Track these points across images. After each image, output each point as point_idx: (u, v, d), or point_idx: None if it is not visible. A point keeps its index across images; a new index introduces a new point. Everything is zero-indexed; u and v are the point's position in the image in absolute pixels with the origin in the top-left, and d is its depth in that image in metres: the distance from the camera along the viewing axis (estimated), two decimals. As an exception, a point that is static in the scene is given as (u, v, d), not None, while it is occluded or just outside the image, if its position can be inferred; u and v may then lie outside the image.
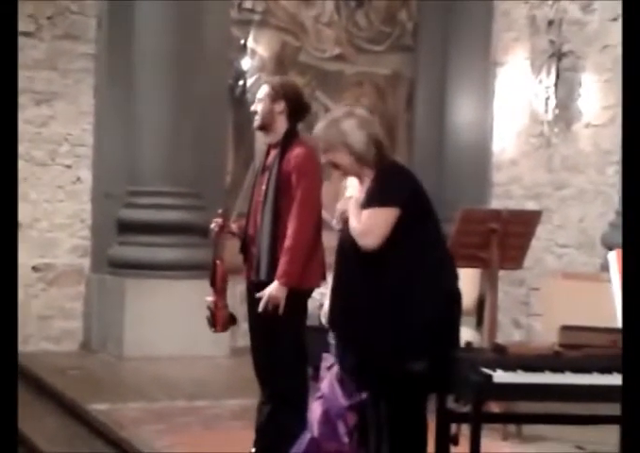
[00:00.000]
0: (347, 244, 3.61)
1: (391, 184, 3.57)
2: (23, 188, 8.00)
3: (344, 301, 3.62)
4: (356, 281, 3.56)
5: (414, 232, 3.53)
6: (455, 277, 3.63)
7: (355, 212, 3.58)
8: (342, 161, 3.67)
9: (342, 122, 3.64)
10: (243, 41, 8.49)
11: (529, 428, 5.15)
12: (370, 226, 3.51)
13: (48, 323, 8.06)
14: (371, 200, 3.54)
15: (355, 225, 3.56)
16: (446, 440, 3.63)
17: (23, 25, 8.02)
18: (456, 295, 3.60)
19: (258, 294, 4.31)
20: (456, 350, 3.52)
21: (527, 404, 4.18)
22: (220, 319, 4.62)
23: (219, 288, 4.61)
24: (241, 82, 8.47)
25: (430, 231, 3.59)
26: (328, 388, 3.98)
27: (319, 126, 3.71)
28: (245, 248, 4.56)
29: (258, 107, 4.52)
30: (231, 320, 4.66)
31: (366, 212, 3.53)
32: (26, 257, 7.99)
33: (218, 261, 4.62)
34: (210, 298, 4.62)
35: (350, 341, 3.61)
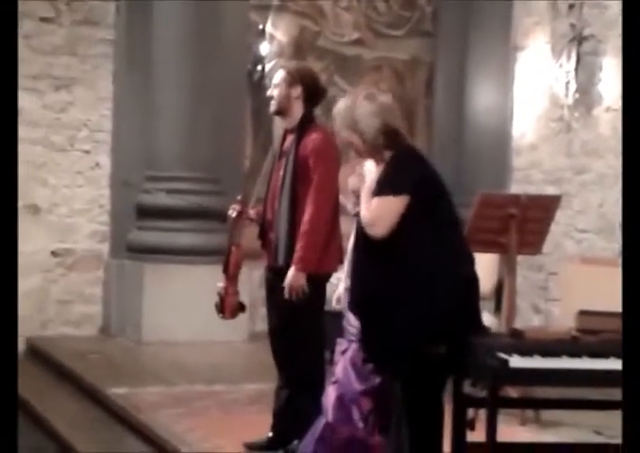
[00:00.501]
0: (362, 231, 3.61)
1: (401, 172, 3.55)
2: (42, 173, 8.04)
3: (360, 288, 3.63)
4: (370, 268, 3.56)
5: (426, 218, 3.52)
6: (471, 261, 3.62)
7: (366, 199, 3.57)
8: (354, 143, 3.67)
9: (358, 106, 3.63)
10: (261, 26, 8.47)
11: (547, 414, 5.14)
12: (378, 214, 3.50)
13: (68, 307, 8.10)
14: (381, 188, 3.53)
15: (364, 213, 3.55)
16: (462, 425, 3.63)
17: (42, 10, 8.05)
18: (472, 279, 3.59)
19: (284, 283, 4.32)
20: (479, 333, 3.51)
21: (545, 389, 4.17)
22: (229, 306, 4.62)
23: (231, 274, 4.62)
24: (259, 67, 8.46)
25: (444, 216, 3.57)
26: (342, 373, 3.98)
27: (339, 105, 3.71)
28: (264, 234, 4.57)
29: (274, 92, 4.52)
30: (240, 307, 4.66)
31: (376, 200, 3.52)
32: (46, 242, 8.04)
33: (233, 247, 4.62)
34: (222, 284, 4.62)
35: (369, 328, 3.61)
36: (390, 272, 3.50)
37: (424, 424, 3.54)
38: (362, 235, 3.59)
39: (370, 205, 3.54)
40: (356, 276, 3.67)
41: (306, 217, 4.32)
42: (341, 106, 3.69)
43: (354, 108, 3.63)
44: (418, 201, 3.51)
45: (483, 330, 3.59)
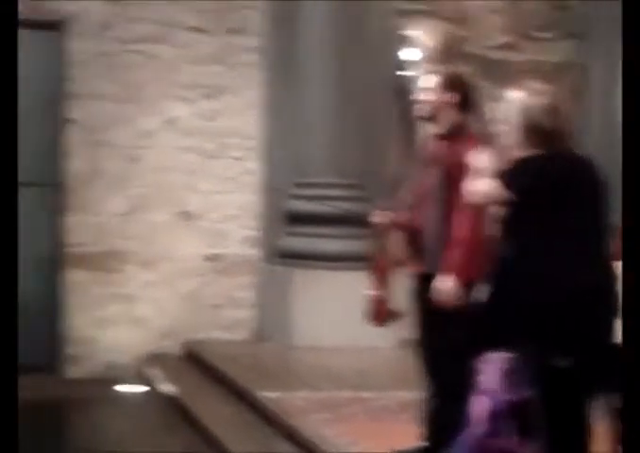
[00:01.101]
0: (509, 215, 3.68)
1: (518, 173, 3.59)
2: (194, 180, 8.25)
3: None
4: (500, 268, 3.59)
5: (544, 223, 3.52)
6: (604, 275, 3.52)
7: (476, 177, 3.74)
8: (501, 134, 3.75)
9: (516, 101, 3.65)
10: (406, 31, 8.45)
11: None
12: (482, 190, 3.66)
13: (220, 312, 8.26)
14: (500, 176, 3.63)
15: (470, 185, 3.73)
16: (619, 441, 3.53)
17: (192, 20, 8.27)
18: (598, 292, 3.49)
19: (432, 290, 4.31)
20: (610, 348, 3.42)
21: None
22: (379, 313, 4.62)
23: (380, 281, 4.62)
24: (405, 72, 8.44)
25: (565, 225, 3.51)
26: (491, 382, 3.92)
27: (510, 94, 3.73)
28: (412, 240, 4.56)
29: (426, 96, 4.49)
30: (392, 314, 4.65)
31: (490, 180, 3.62)
32: (198, 247, 8.24)
33: (381, 254, 4.62)
34: (371, 291, 4.63)
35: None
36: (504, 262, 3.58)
37: (564, 438, 3.46)
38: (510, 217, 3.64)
39: (475, 179, 3.72)
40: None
41: (460, 225, 4.28)
42: (509, 96, 3.71)
43: (513, 101, 3.63)
44: (524, 207, 3.51)
45: (613, 345, 3.48)
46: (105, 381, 7.50)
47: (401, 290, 4.75)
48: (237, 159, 8.35)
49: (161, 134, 8.19)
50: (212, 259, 8.29)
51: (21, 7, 7.93)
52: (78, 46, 7.99)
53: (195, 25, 8.28)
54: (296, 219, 7.83)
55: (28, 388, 7.21)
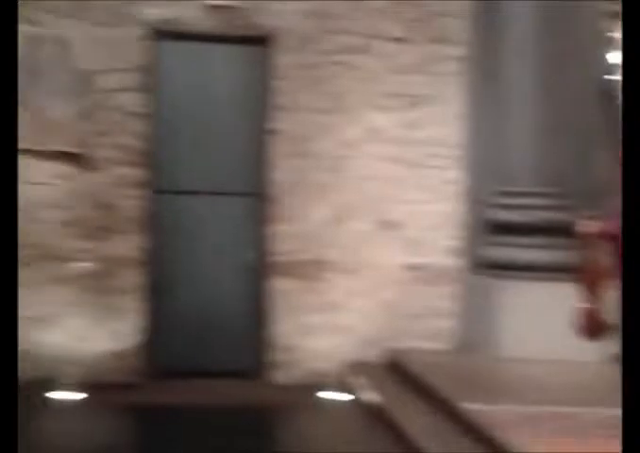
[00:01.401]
0: None
1: None
2: (396, 189, 8.28)
3: None
4: None
5: None
6: None
7: None
8: None
9: None
10: (613, 34, 8.19)
11: None
12: None
13: (422, 321, 8.24)
14: None
15: None
16: None
17: (394, 30, 8.32)
18: None
19: None
20: None
21: None
22: (591, 326, 4.50)
23: (592, 293, 4.49)
24: (612, 76, 8.19)
25: None
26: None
27: None
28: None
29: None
30: (604, 328, 4.50)
31: None
32: (400, 256, 8.26)
33: (591, 265, 4.49)
34: (582, 304, 4.50)
35: None
36: None
37: None
38: None
39: None
40: None
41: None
42: None
43: None
44: None
45: None
46: (309, 388, 7.64)
47: (613, 302, 4.59)
48: (439, 168, 8.32)
49: (364, 144, 8.27)
50: (414, 268, 8.29)
51: (231, 23, 8.27)
52: (284, 59, 8.20)
53: (398, 35, 8.32)
54: (500, 228, 7.72)
55: (236, 392, 7.47)
